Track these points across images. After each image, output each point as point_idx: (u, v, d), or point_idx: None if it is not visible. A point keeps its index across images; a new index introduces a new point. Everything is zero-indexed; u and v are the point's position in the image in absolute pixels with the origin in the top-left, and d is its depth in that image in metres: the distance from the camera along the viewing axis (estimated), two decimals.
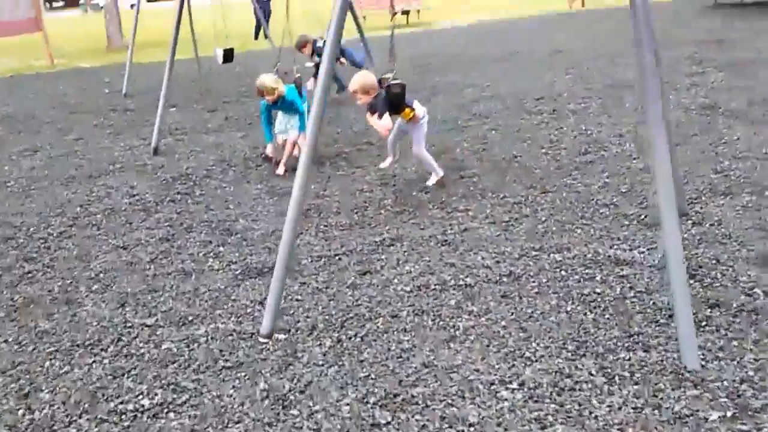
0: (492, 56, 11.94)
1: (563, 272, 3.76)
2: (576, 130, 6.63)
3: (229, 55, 9.68)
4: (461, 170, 5.68)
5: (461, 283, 3.72)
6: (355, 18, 8.55)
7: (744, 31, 11.84)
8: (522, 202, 4.88)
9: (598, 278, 3.66)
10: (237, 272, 4.09)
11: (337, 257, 4.20)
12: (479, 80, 9.73)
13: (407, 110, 5.01)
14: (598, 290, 3.52)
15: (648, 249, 3.93)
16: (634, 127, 6.48)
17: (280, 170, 6.07)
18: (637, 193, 4.83)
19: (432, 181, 5.31)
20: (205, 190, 5.83)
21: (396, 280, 3.81)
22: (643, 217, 4.40)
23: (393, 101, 4.83)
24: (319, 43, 8.33)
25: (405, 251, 4.20)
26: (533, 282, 3.67)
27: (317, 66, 9.00)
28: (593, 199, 4.79)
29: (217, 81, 11.36)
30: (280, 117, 6.25)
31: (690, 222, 4.25)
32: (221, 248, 4.50)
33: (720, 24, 13.36)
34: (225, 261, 4.28)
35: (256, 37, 17.80)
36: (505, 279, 3.72)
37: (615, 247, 4.02)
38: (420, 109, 5.10)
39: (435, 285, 3.71)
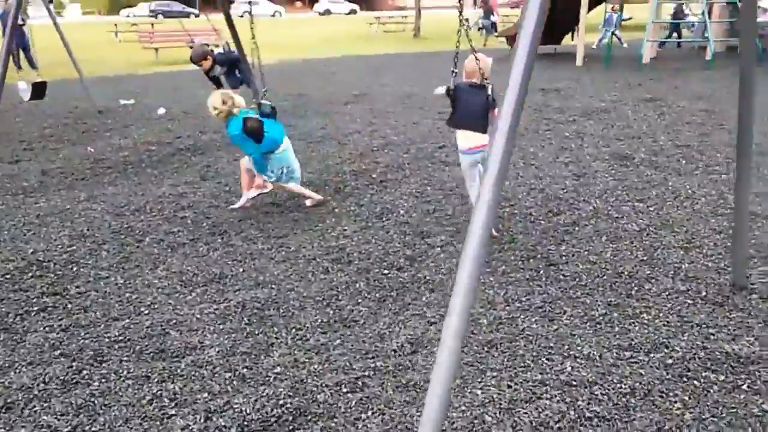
0: (341, 97, 10.94)
1: (694, 383, 2.85)
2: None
3: (39, 89, 7.50)
4: None
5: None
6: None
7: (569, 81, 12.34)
8: (532, 277, 3.93)
9: (744, 387, 2.82)
10: None
11: None
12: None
13: None
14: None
15: (754, 336, 3.20)
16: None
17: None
18: (660, 261, 4.12)
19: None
20: (81, 286, 3.95)
21: None
22: (703, 293, 3.70)
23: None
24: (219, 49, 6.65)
25: None
26: (674, 399, 2.70)
27: (215, 79, 7.35)
28: (613, 270, 3.99)
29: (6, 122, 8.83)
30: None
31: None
32: (172, 410, 2.85)
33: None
34: None
35: (19, 67, 14.89)
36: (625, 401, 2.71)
37: (713, 337, 3.23)
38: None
39: None
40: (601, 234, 4.49)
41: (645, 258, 4.08)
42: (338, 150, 7.13)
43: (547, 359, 3.08)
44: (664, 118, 8.25)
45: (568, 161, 6.32)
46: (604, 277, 3.87)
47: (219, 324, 3.55)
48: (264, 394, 2.91)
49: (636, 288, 3.72)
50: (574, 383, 2.87)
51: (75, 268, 4.25)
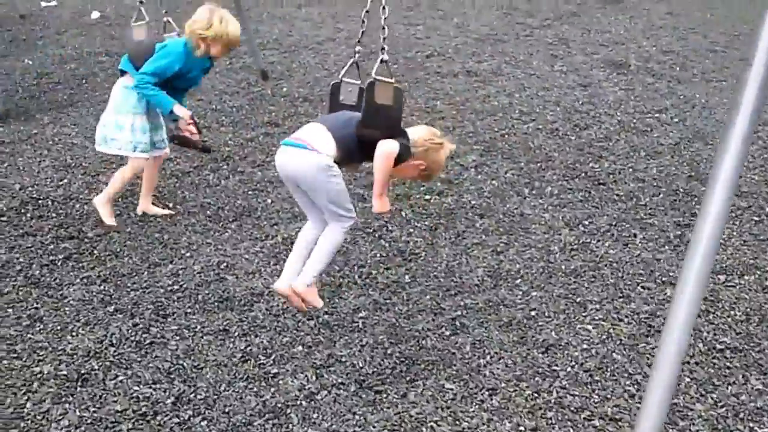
0: None
1: None
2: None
3: None
4: None
5: None
6: None
7: None
8: (585, 198, 3.80)
9: None
10: None
11: None
12: None
13: None
14: None
15: None
16: None
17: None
18: (707, 176, 4.07)
19: None
20: (96, 227, 3.47)
21: None
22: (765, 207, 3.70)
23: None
24: None
25: None
26: None
27: None
28: (666, 187, 3.92)
29: None
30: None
31: None
32: (272, 368, 2.56)
33: None
34: None
35: None
36: None
37: None
38: None
39: None
40: (638, 149, 4.38)
41: (692, 173, 4.02)
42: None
43: (643, 287, 2.99)
44: (636, 22, 8.14)
45: (566, 70, 6.12)
46: (660, 196, 3.79)
47: (274, 264, 3.22)
48: (364, 342, 2.66)
49: (698, 207, 3.66)
50: None
51: (77, 206, 3.72)
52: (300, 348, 2.64)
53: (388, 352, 2.62)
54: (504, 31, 7.69)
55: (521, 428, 2.21)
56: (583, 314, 2.82)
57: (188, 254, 3.29)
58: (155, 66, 3.20)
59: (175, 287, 2.99)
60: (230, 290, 3.00)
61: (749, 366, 2.50)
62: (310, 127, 2.51)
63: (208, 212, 3.74)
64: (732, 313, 2.80)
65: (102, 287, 2.96)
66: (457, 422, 2.24)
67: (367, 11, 2.46)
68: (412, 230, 3.57)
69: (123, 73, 3.43)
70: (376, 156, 2.31)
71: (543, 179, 4.05)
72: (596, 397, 2.34)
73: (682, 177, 3.98)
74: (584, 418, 2.24)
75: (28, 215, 3.60)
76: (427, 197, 3.90)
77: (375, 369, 2.52)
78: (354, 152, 2.43)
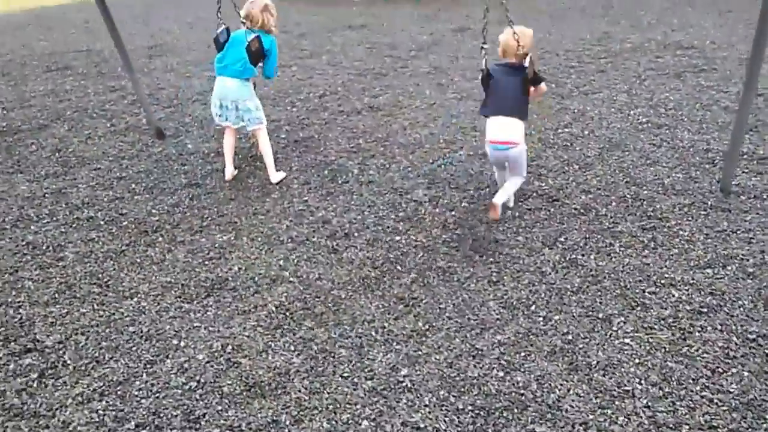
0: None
1: None
2: None
3: None
4: None
5: None
6: None
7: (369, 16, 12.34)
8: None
9: None
10: None
11: None
12: None
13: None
14: None
15: None
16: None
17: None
18: (649, 181, 4.41)
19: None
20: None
21: None
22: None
23: None
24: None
25: None
26: None
27: None
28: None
29: None
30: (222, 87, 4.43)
31: None
32: None
33: None
34: None
35: None
36: None
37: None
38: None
39: None
40: (569, 162, 4.63)
41: (628, 179, 4.32)
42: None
43: (649, 293, 3.14)
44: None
45: (459, 97, 6.33)
46: (613, 204, 4.02)
47: (281, 336, 2.94)
48: (426, 402, 2.50)
49: (651, 210, 3.94)
50: (704, 310, 2.97)
51: (11, 311, 3.12)
52: (366, 423, 2.41)
53: (459, 407, 2.48)
54: (378, 65, 7.81)
55: None
56: (614, 329, 2.88)
57: (182, 344, 2.89)
58: None
59: (192, 384, 2.60)
60: (253, 375, 2.67)
61: None
62: (503, 124, 3.68)
63: (173, 292, 3.33)
64: None
65: (104, 402, 2.49)
66: None
67: None
68: (398, 276, 3.45)
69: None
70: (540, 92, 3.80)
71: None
72: (682, 408, 2.38)
73: (621, 184, 4.25)
74: None
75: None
76: (398, 237, 3.80)
77: (459, 428, 2.36)
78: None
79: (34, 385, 2.61)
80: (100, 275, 3.50)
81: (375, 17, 11.80)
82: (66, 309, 3.18)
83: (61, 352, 2.83)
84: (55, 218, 4.16)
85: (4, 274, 3.49)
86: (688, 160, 4.55)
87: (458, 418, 2.41)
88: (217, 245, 3.80)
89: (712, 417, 2.33)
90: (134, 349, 2.85)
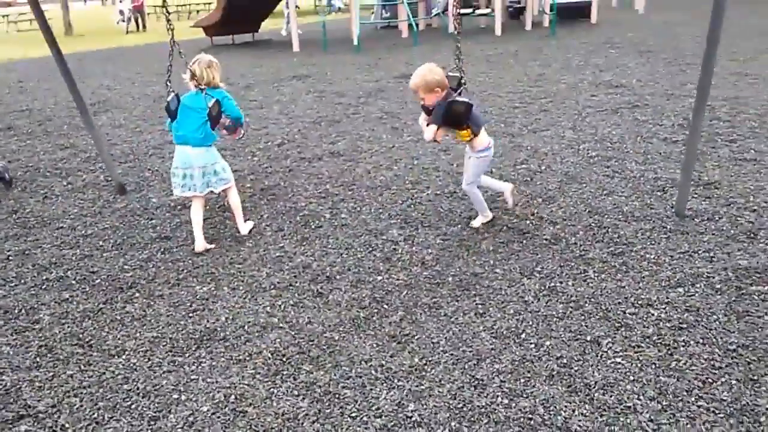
0: None
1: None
2: None
3: None
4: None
5: None
6: None
7: (311, 66, 12.61)
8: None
9: None
10: None
11: None
12: None
13: (466, 131, 4.06)
14: None
15: None
16: None
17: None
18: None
19: (477, 222, 4.47)
20: None
21: None
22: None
23: (451, 117, 3.94)
24: None
25: None
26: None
27: None
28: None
29: None
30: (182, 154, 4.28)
31: None
32: None
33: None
34: None
35: None
36: None
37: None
38: (484, 138, 4.16)
39: None
40: (531, 196, 4.84)
41: (590, 210, 4.55)
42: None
43: (630, 314, 3.30)
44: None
45: (416, 139, 6.53)
46: (580, 234, 4.22)
47: (281, 383, 2.94)
48: None
49: (616, 236, 4.16)
50: (683, 326, 3.15)
51: None
52: None
53: None
54: (330, 112, 7.98)
55: None
56: (604, 350, 3.01)
57: (183, 398, 2.83)
58: None
59: None
60: (262, 422, 2.65)
61: None
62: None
63: (162, 346, 3.27)
64: None
65: None
66: None
67: None
68: (386, 315, 3.50)
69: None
70: None
71: (473, 239, 4.25)
72: (683, 419, 2.51)
73: (584, 213, 4.48)
74: None
75: None
76: (380, 277, 3.87)
77: None
78: None
79: None
80: (80, 335, 3.40)
81: (317, 67, 12.05)
82: (51, 372, 3.07)
83: (56, 416, 2.73)
84: (23, 280, 4.02)
85: None
86: (641, 189, 4.84)
87: None
88: (198, 297, 3.76)
89: (712, 425, 2.46)
90: (133, 407, 2.78)
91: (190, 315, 3.56)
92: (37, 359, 3.19)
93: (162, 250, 4.39)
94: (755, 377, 2.71)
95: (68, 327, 3.48)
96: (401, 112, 7.69)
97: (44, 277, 4.05)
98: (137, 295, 3.82)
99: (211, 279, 3.97)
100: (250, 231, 4.55)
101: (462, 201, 4.87)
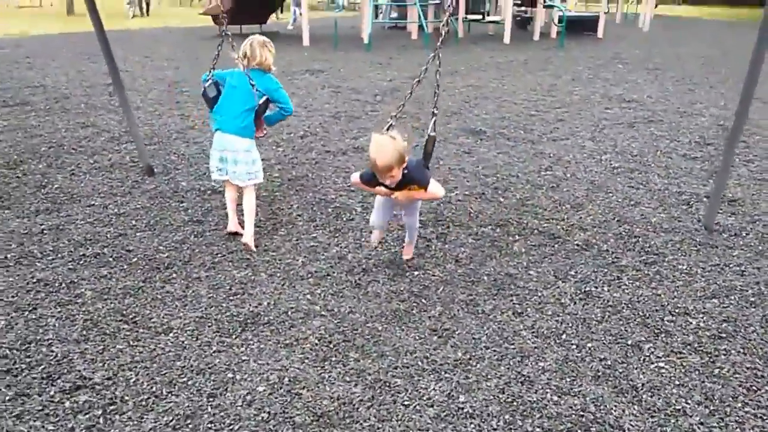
0: None
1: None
2: None
3: None
4: None
5: None
6: None
7: (323, 62, 12.63)
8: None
9: None
10: None
11: None
12: None
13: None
14: None
15: None
16: None
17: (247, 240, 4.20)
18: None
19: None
20: None
21: None
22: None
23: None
24: None
25: None
26: None
27: None
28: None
29: None
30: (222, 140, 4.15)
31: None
32: None
33: None
34: None
35: None
36: None
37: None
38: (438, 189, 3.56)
39: None
40: (560, 203, 4.92)
41: (619, 219, 4.64)
42: None
43: (668, 321, 3.39)
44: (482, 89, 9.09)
45: (440, 139, 6.58)
46: (612, 241, 4.31)
47: (330, 368, 2.98)
48: None
49: (648, 246, 4.25)
50: (723, 335, 3.23)
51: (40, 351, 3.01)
52: None
53: (528, 429, 2.59)
54: (348, 108, 8.02)
55: None
56: (646, 354, 3.09)
57: (238, 377, 2.87)
58: None
59: (263, 415, 2.60)
60: (318, 405, 2.70)
61: None
62: None
63: (209, 327, 3.30)
64: None
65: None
66: None
67: None
68: (425, 309, 3.56)
69: None
70: None
71: (504, 240, 4.32)
72: (732, 424, 2.59)
73: (613, 222, 4.57)
74: None
75: None
76: (416, 272, 3.92)
77: None
78: None
79: (101, 421, 2.53)
80: (123, 311, 3.41)
81: (330, 63, 12.08)
82: (101, 345, 3.08)
83: (112, 388, 2.75)
84: (60, 255, 4.02)
85: (24, 311, 3.35)
86: (666, 202, 4.94)
87: None
88: (236, 281, 3.79)
89: (761, 430, 2.55)
90: (190, 383, 2.81)
91: (231, 298, 3.59)
92: (84, 332, 3.20)
93: (195, 233, 4.40)
94: None
95: (111, 303, 3.50)
96: (419, 113, 7.75)
97: (81, 253, 4.05)
98: (174, 276, 3.84)
99: (246, 265, 4.00)
100: (252, 246, 4.19)
101: (491, 202, 4.94)
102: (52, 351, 3.03)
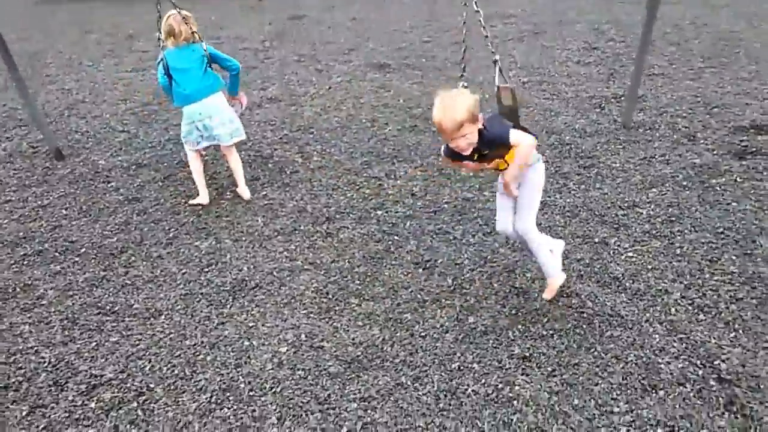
0: None
1: None
2: None
3: None
4: None
5: None
6: None
7: None
8: None
9: None
10: None
11: None
12: None
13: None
14: None
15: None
16: None
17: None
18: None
19: (550, 293, 3.02)
20: None
21: None
22: None
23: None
24: None
25: None
26: None
27: None
28: None
29: None
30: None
31: None
32: None
33: None
34: None
35: None
36: None
37: None
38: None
39: None
40: None
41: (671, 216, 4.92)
42: None
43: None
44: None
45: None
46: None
47: (358, 332, 3.05)
48: None
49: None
50: (672, 219, 3.60)
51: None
52: (476, 366, 2.65)
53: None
54: (240, 58, 7.69)
55: None
56: (614, 248, 3.39)
57: (255, 343, 2.86)
58: None
59: (299, 373, 2.63)
60: (345, 352, 2.76)
61: None
62: None
63: (197, 302, 3.22)
64: None
65: (227, 409, 2.42)
66: None
67: None
68: (401, 245, 3.66)
69: None
70: None
71: (449, 169, 4.48)
72: (707, 291, 2.95)
73: (543, 134, 4.84)
74: None
75: None
76: (379, 212, 3.99)
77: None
78: None
79: (140, 413, 2.44)
80: (98, 304, 3.24)
81: (194, 12, 11.36)
82: (92, 342, 2.93)
83: (130, 380, 2.65)
84: None
85: None
86: (581, 107, 5.29)
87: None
88: (203, 252, 3.69)
89: (735, 293, 2.93)
90: (209, 359, 2.76)
91: (207, 270, 3.50)
92: (66, 333, 3.03)
93: (136, 211, 4.19)
94: (749, 251, 3.21)
95: (79, 298, 3.31)
96: (317, 54, 7.62)
97: (20, 253, 3.75)
98: (134, 258, 3.67)
99: (206, 234, 3.89)
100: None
101: (425, 133, 5.04)
102: (43, 357, 2.85)
